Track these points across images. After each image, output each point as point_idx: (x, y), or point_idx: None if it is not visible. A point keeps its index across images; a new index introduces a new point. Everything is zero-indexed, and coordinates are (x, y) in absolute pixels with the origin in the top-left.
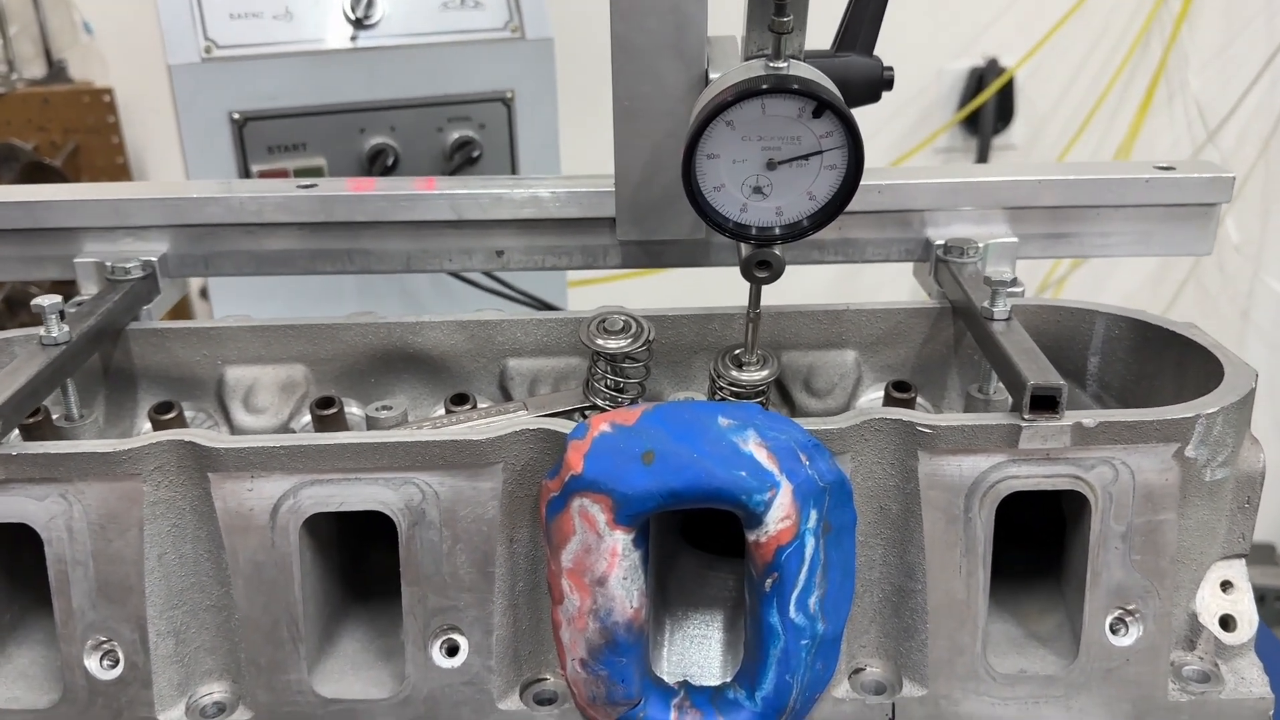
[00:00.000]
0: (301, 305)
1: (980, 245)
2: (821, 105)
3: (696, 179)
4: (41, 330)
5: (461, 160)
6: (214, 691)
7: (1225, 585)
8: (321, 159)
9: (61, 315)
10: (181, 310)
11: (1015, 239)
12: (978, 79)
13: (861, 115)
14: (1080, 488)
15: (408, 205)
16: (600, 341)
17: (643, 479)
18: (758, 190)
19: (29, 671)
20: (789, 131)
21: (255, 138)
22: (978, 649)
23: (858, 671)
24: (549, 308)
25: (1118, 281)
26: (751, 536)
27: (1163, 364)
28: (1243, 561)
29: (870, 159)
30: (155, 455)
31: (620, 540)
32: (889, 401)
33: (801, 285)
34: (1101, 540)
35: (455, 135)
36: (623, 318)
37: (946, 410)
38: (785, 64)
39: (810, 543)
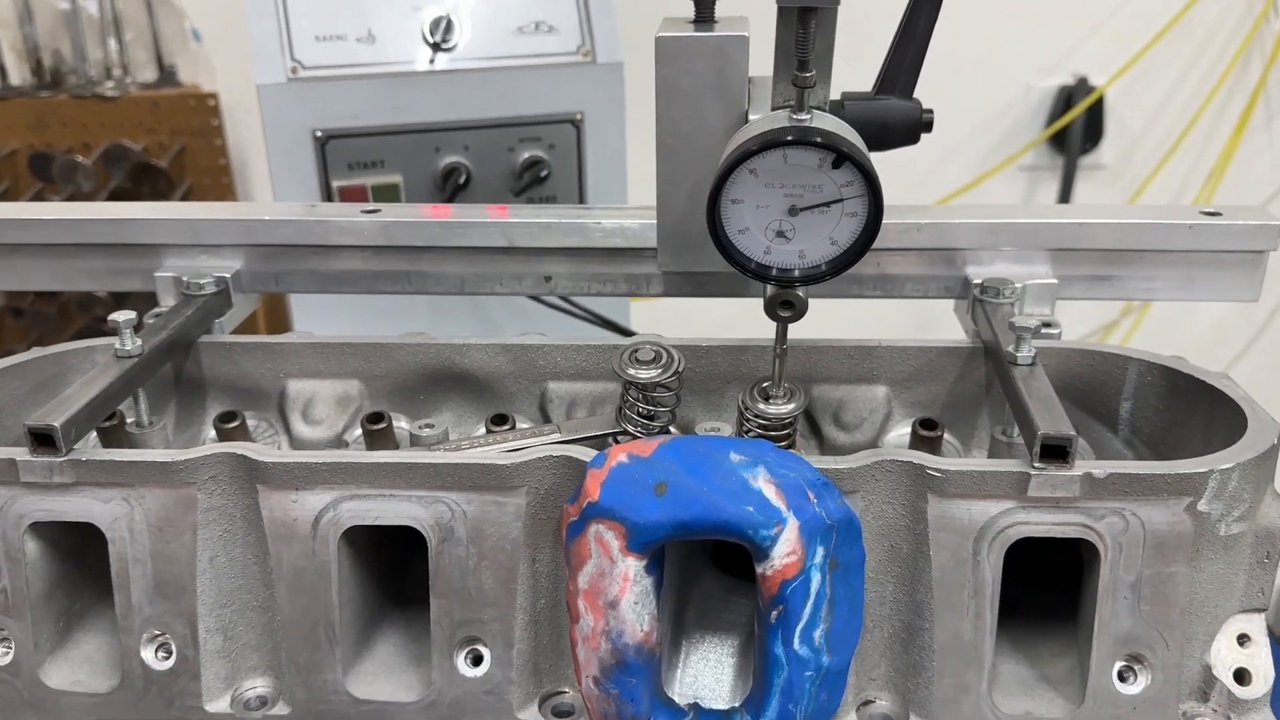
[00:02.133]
0: (375, 318)
1: (1018, 286)
2: (841, 157)
3: (721, 222)
4: (116, 342)
5: (530, 179)
6: (258, 686)
7: (1242, 639)
8: (398, 176)
9: (136, 329)
10: (276, 315)
11: (1055, 280)
12: (1066, 97)
13: (944, 131)
14: (1090, 536)
15: (462, 232)
16: (632, 371)
17: (654, 509)
18: (781, 234)
19: (94, 658)
20: (810, 180)
21: (336, 155)
22: (983, 689)
23: (867, 704)
24: (611, 324)
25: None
26: (759, 569)
27: (1194, 413)
28: (1262, 616)
29: (953, 176)
30: (210, 466)
31: (632, 566)
32: (915, 439)
33: (860, 316)
34: (1110, 589)
35: (525, 155)
36: (654, 348)
37: (975, 449)
38: (808, 116)
39: (816, 578)
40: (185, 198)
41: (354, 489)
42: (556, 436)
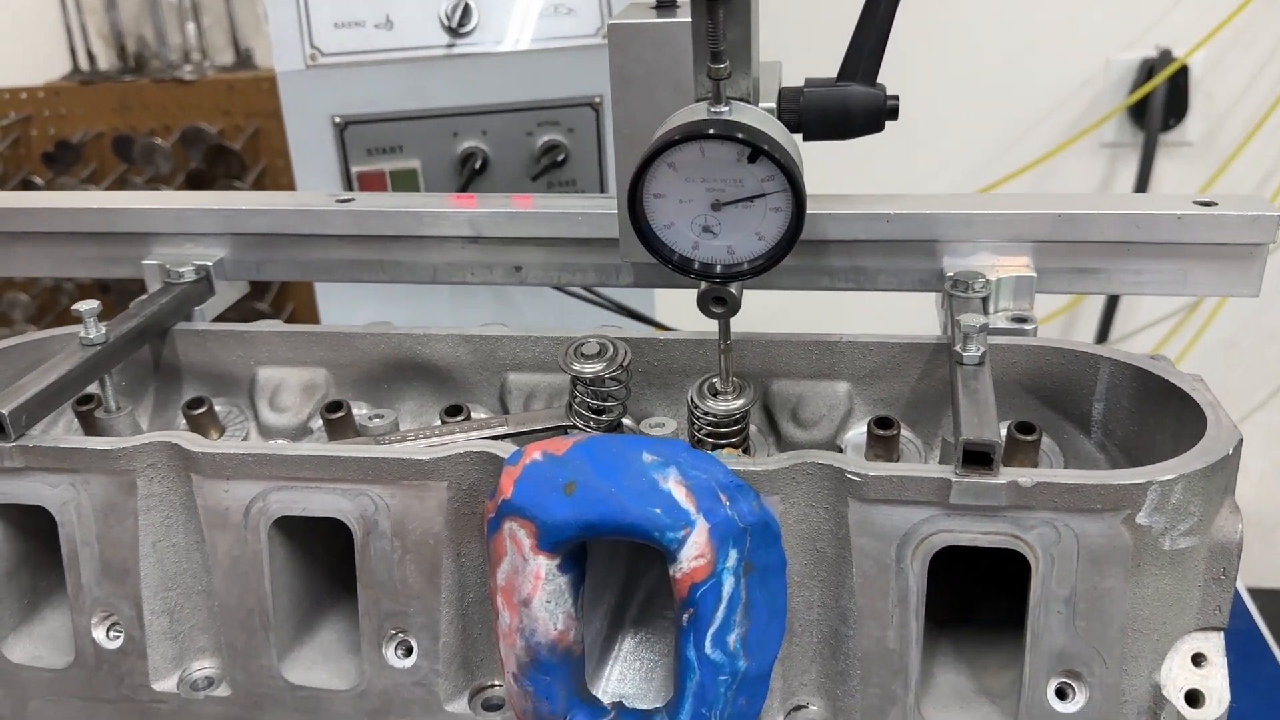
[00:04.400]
0: (397, 306)
1: (991, 280)
2: (756, 151)
3: (645, 216)
4: (80, 330)
5: (548, 164)
6: (205, 667)
7: (1198, 658)
8: (416, 161)
9: (100, 318)
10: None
11: (1033, 273)
12: (1148, 71)
13: (1020, 105)
14: (1019, 547)
15: (431, 221)
16: (577, 366)
17: (562, 509)
18: (707, 229)
19: (56, 635)
20: (731, 174)
21: (355, 141)
22: (910, 700)
23: (798, 709)
24: (632, 313)
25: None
26: (670, 572)
27: (1164, 416)
28: (1220, 635)
29: (1029, 150)
30: (148, 454)
31: (544, 565)
32: (871, 438)
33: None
34: (1043, 602)
35: (544, 139)
36: (599, 342)
37: (937, 450)
38: (726, 108)
39: (729, 581)
40: (259, 179)
41: (280, 480)
42: (503, 430)
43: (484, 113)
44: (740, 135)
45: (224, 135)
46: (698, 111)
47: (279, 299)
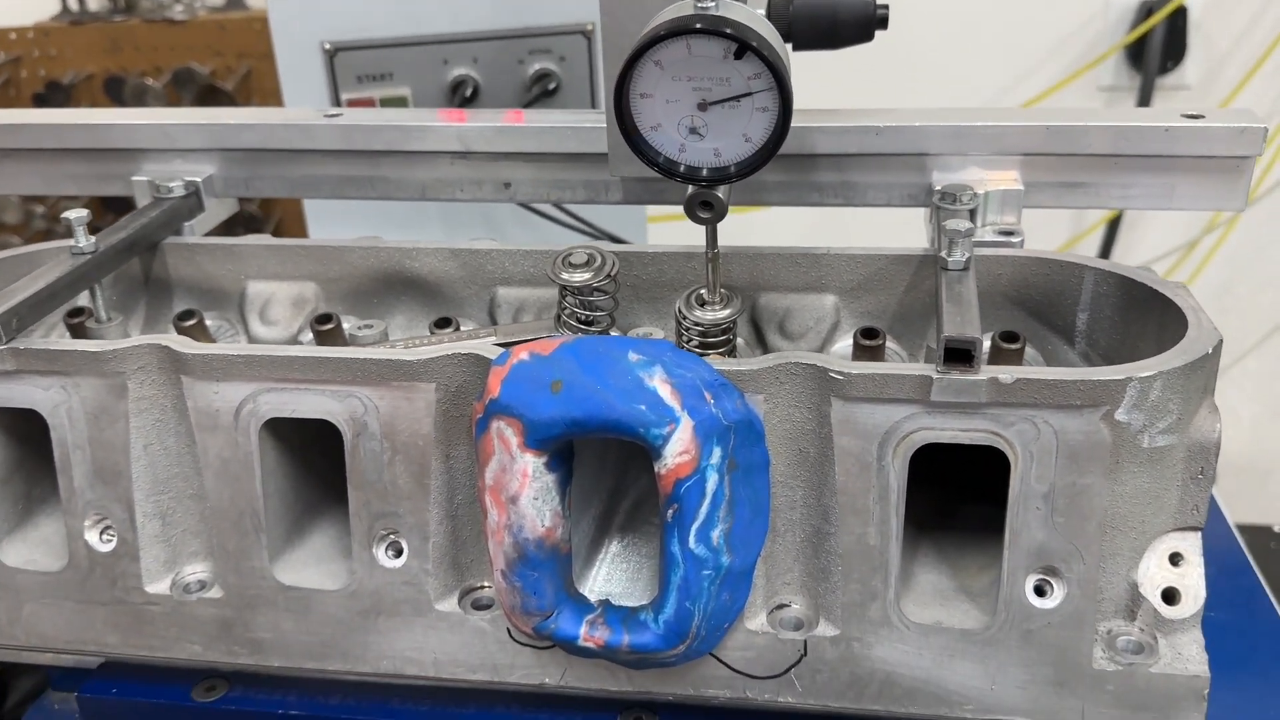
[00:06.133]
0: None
1: (979, 193)
2: (743, 47)
3: (631, 117)
4: (71, 240)
5: (540, 92)
6: (198, 571)
7: (1175, 558)
8: (406, 89)
9: (90, 228)
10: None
11: (1021, 187)
12: (1146, 12)
13: (1020, 47)
14: (998, 444)
15: (419, 136)
16: (565, 275)
17: (549, 406)
18: (694, 131)
19: (50, 540)
20: (717, 73)
21: (345, 67)
22: (890, 596)
23: (780, 607)
24: (621, 243)
25: None
26: (655, 468)
27: (1147, 324)
28: (1197, 535)
29: (1025, 91)
30: (138, 356)
31: (530, 463)
32: (856, 348)
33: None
34: (1022, 499)
35: (535, 68)
36: (587, 252)
37: (922, 360)
38: (713, 4)
39: (712, 478)
40: None
41: (270, 382)
42: (491, 340)
43: (475, 39)
44: (728, 30)
45: (215, 76)
46: (684, 7)
47: (265, 204)
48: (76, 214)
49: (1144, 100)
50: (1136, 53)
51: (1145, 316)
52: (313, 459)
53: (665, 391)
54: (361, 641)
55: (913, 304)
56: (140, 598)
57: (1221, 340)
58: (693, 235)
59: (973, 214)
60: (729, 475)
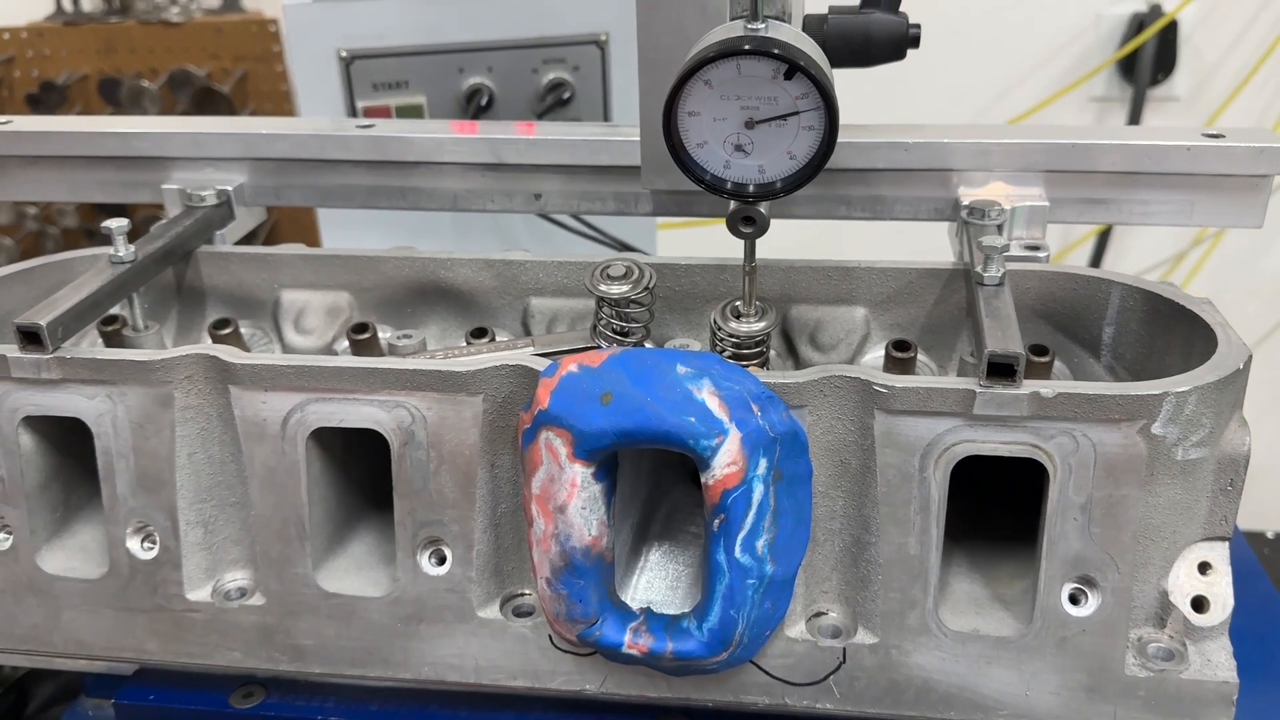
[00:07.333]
0: (398, 234)
1: (1006, 208)
2: (793, 68)
3: (679, 134)
4: (110, 249)
5: (554, 102)
6: (238, 578)
7: (1204, 567)
8: (422, 97)
9: (129, 237)
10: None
11: (1046, 203)
12: (1138, 25)
13: (1011, 59)
14: (1038, 456)
15: (452, 148)
16: (604, 287)
17: (599, 418)
18: (739, 148)
19: (88, 547)
20: (765, 92)
21: (361, 75)
22: (929, 604)
23: (818, 615)
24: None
25: None
26: (703, 479)
27: (1173, 339)
28: (1225, 545)
29: (1018, 103)
30: (185, 366)
31: (579, 473)
32: (888, 360)
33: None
34: (1060, 510)
35: (549, 77)
36: (625, 264)
37: (952, 373)
38: (763, 25)
39: (759, 488)
40: None
41: (319, 392)
42: (529, 350)
43: (490, 49)
44: (777, 51)
45: (212, 78)
46: (734, 29)
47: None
48: (117, 223)
49: (1136, 110)
50: (1128, 65)
51: (1170, 331)
52: (352, 467)
53: (714, 404)
54: (403, 648)
55: (942, 316)
56: (181, 605)
57: (1251, 355)
58: (700, 243)
59: (1000, 228)
60: (774, 486)
